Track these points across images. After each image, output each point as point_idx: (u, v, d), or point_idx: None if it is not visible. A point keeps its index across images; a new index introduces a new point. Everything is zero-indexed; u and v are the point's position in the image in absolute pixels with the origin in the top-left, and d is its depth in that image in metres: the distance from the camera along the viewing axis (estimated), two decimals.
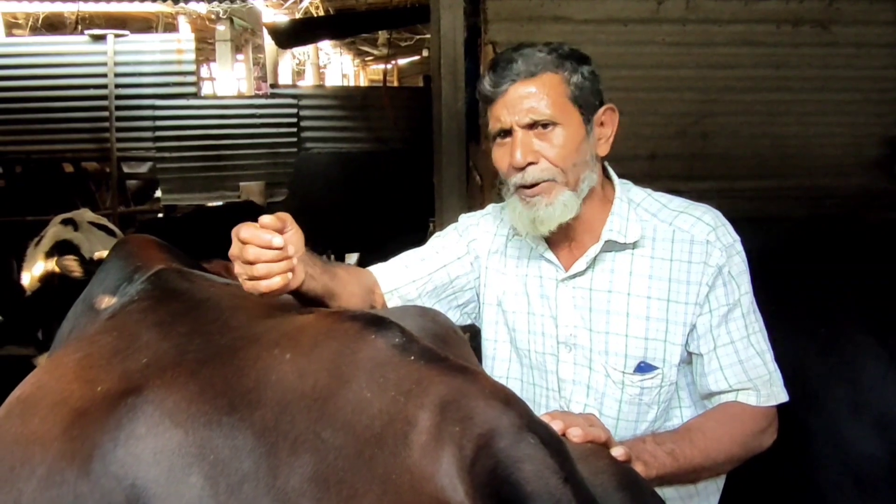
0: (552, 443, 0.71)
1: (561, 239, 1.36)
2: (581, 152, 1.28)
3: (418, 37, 9.93)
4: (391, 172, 6.21)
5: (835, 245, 2.15)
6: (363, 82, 16.32)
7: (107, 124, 6.27)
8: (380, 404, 0.76)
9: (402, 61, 13.78)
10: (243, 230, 1.04)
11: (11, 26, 8.68)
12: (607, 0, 2.79)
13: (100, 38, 6.30)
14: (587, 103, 1.28)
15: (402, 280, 1.42)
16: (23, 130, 6.22)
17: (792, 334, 1.61)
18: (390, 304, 1.40)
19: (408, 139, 6.47)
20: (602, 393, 1.32)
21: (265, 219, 1.05)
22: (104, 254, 2.71)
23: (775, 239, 2.04)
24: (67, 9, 7.71)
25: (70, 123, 6.29)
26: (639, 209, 1.34)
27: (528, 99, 1.25)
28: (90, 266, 2.82)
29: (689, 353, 1.31)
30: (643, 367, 1.29)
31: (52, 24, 8.79)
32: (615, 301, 1.30)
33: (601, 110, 1.31)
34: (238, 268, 1.05)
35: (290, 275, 1.05)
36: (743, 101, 2.92)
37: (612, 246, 1.32)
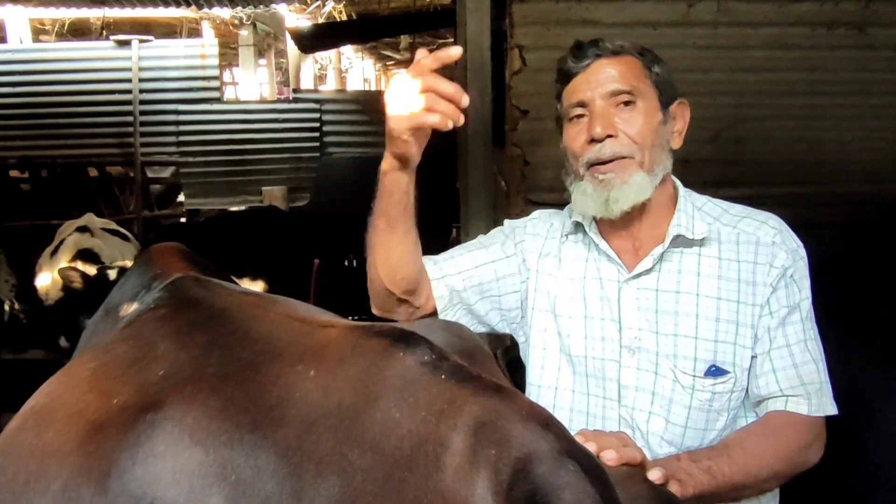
0: (593, 469, 0.67)
1: (623, 238, 1.34)
2: (659, 135, 1.28)
3: (441, 41, 9.92)
4: (414, 177, 6.19)
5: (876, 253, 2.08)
6: (384, 86, 16.39)
7: (131, 129, 6.34)
8: (410, 424, 0.72)
9: None
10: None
11: (38, 32, 8.83)
12: (636, 3, 2.73)
13: (125, 44, 6.38)
14: (665, 90, 1.30)
15: (450, 270, 1.40)
16: (48, 135, 6.32)
17: (847, 345, 1.55)
18: (436, 293, 1.38)
19: (431, 143, 6.45)
20: (669, 399, 1.26)
21: (426, 59, 1.15)
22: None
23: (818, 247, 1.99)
24: (93, 15, 7.82)
25: (95, 128, 6.38)
26: (701, 212, 1.33)
27: (612, 72, 1.27)
28: (104, 272, 2.82)
29: None
30: (714, 371, 1.24)
31: (78, 30, 8.93)
32: (683, 302, 1.27)
33: (675, 103, 1.33)
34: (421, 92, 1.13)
35: (450, 123, 1.12)
36: (777, 105, 2.84)
37: (679, 243, 1.29)
